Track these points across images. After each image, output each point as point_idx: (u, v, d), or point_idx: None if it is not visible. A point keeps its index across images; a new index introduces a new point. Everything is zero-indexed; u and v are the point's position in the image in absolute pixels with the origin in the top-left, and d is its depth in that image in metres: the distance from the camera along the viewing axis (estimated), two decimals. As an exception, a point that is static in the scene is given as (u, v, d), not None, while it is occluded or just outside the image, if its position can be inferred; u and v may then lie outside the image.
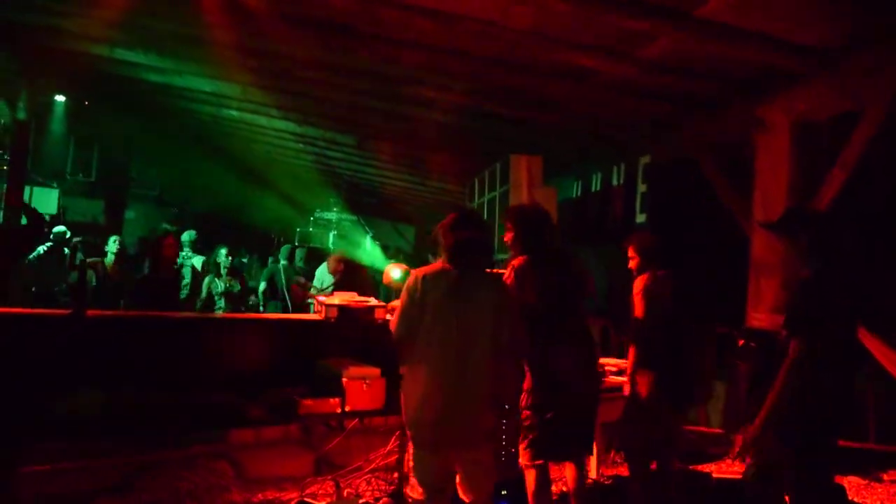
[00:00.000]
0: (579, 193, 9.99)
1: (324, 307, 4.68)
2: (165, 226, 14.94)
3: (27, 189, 13.39)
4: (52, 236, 11.58)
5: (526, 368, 4.21)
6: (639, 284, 4.76)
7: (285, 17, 6.22)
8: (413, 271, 3.80)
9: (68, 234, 11.10)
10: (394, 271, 5.04)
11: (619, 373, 5.34)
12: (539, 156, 8.51)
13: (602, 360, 5.35)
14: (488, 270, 3.85)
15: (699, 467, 5.98)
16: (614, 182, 8.95)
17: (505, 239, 4.48)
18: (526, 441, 4.22)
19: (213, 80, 9.34)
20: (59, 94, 10.77)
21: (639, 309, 4.70)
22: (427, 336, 3.59)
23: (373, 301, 4.91)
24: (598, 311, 7.88)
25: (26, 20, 8.03)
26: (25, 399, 3.83)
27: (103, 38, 8.08)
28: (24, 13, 7.85)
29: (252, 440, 5.42)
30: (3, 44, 8.60)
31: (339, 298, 4.82)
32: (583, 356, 4.30)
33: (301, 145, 12.50)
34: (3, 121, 8.37)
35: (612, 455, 5.91)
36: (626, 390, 4.78)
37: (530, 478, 4.22)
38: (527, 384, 4.23)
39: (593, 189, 9.57)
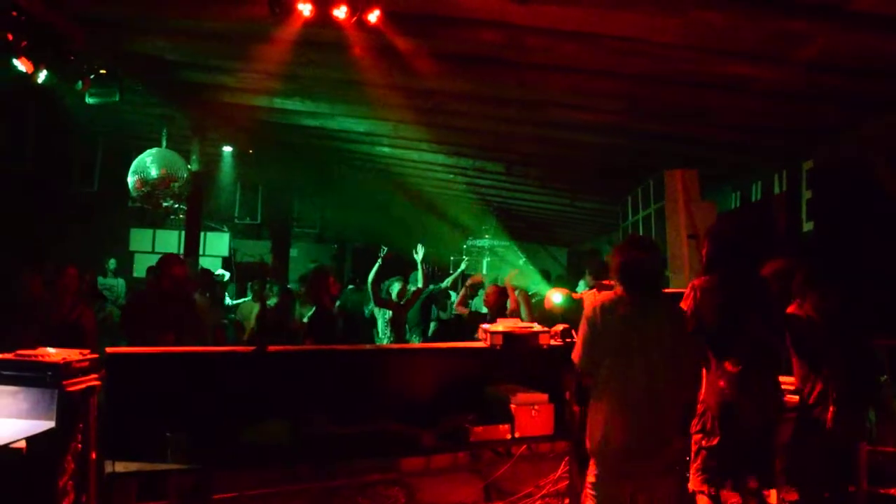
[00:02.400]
0: (738, 205, 9.61)
1: (488, 334, 4.74)
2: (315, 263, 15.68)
3: (202, 235, 14.43)
4: (214, 278, 12.48)
5: (702, 391, 4.11)
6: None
7: (434, 54, 6.42)
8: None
9: (226, 278, 11.97)
10: (554, 296, 5.05)
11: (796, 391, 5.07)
12: (694, 169, 8.29)
13: (781, 378, 5.11)
14: (663, 292, 3.80)
15: (889, 491, 5.57)
16: (776, 190, 8.56)
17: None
18: (696, 465, 4.11)
19: (365, 119, 9.72)
20: (227, 144, 11.52)
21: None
22: (611, 365, 3.58)
23: (536, 327, 4.93)
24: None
25: (195, 79, 8.70)
26: (216, 429, 4.09)
27: (263, 90, 8.63)
28: (194, 73, 8.52)
29: (423, 467, 5.55)
30: (177, 103, 9.34)
31: (503, 325, 4.87)
32: (757, 379, 4.13)
33: (451, 176, 12.74)
34: (185, 174, 9.07)
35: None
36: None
37: None
38: (699, 407, 4.12)
39: (753, 199, 9.19)
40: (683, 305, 4.13)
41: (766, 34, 5.42)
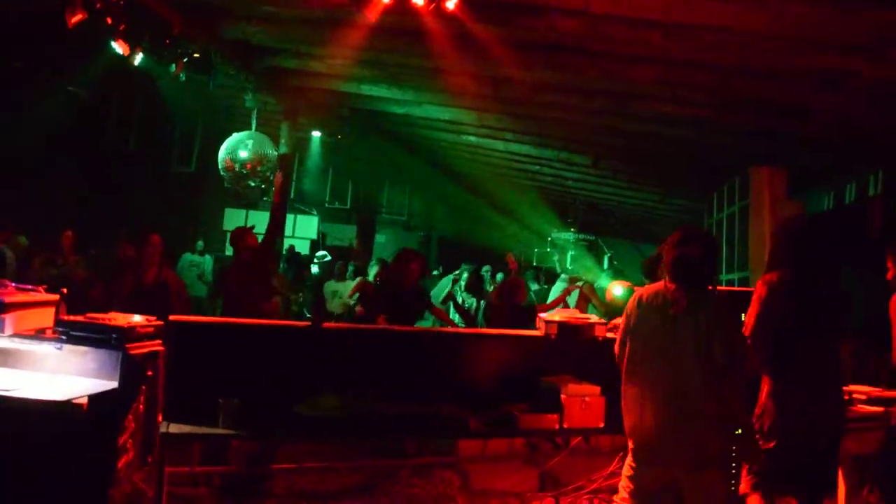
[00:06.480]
0: (831, 206, 9.21)
1: (544, 323, 4.72)
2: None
3: (291, 217, 14.84)
4: (315, 260, 12.92)
5: (764, 391, 3.98)
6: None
7: (516, 44, 6.39)
8: (635, 291, 3.80)
9: (327, 258, 12.37)
10: (616, 288, 4.99)
11: (871, 401, 4.83)
12: (783, 168, 8.01)
13: (852, 388, 4.89)
14: (709, 288, 3.69)
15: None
16: (871, 192, 8.17)
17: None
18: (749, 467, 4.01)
19: (450, 108, 9.76)
20: (316, 129, 11.74)
21: None
22: (642, 355, 3.59)
23: (593, 318, 4.88)
24: (854, 334, 7.20)
25: (285, 65, 8.91)
26: (270, 400, 4.21)
27: (350, 76, 8.78)
28: (284, 59, 8.73)
29: (478, 453, 5.58)
30: (268, 88, 9.59)
31: (559, 315, 4.84)
32: (821, 383, 3.97)
33: (537, 167, 12.67)
34: (273, 156, 9.35)
35: (865, 493, 5.35)
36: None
37: None
38: (757, 409, 3.99)
39: (847, 201, 8.79)
40: (754, 300, 4.01)
41: (863, 28, 5.17)
